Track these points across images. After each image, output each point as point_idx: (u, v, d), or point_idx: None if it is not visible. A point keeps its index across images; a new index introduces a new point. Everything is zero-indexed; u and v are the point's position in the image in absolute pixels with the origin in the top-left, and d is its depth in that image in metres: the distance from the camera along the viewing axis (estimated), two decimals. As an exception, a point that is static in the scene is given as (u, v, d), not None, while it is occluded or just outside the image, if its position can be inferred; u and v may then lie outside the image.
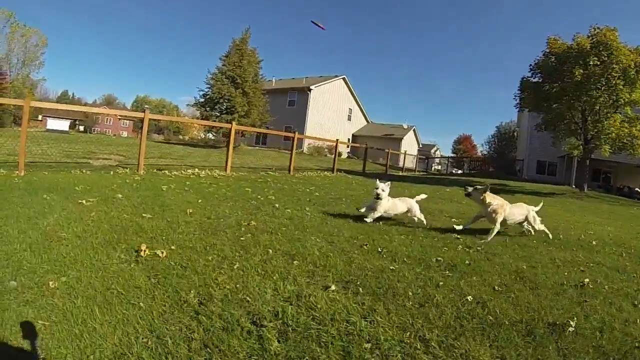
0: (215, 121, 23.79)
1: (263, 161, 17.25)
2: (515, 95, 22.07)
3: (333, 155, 15.54)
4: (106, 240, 3.79)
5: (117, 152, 13.43)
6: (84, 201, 5.31)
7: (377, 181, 4.97)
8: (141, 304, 2.54)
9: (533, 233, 5.21)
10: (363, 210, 5.08)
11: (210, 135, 35.99)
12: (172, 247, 3.72)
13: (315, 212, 5.86)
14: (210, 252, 3.74)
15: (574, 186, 22.81)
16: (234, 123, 10.90)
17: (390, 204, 4.96)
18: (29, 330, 2.04)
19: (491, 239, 4.63)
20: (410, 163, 29.42)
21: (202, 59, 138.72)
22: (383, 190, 4.85)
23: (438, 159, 45.32)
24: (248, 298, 2.53)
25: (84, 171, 8.26)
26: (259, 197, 7.10)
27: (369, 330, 2.14)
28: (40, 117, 48.48)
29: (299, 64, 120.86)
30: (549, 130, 21.48)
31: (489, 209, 4.71)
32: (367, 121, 44.04)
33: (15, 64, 44.57)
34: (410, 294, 2.70)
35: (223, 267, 3.24)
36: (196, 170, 10.26)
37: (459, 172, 38.60)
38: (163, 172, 9.36)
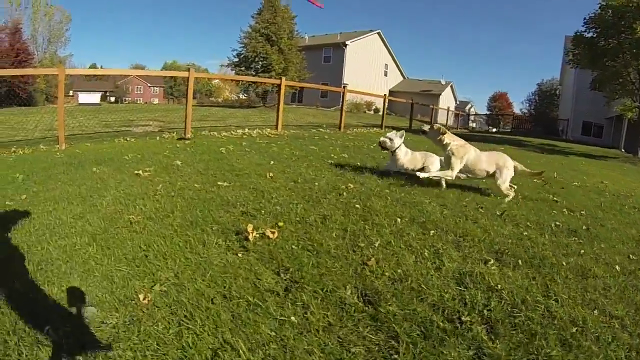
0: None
1: (305, 118, 16.12)
2: (567, 51, 21.03)
3: (371, 112, 14.10)
4: (189, 220, 2.92)
5: (154, 118, 12.88)
6: (140, 172, 4.52)
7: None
8: (292, 318, 1.64)
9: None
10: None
11: (242, 96, 35.66)
12: (280, 224, 2.80)
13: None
14: (329, 227, 2.83)
15: (622, 150, 21.59)
16: (283, 79, 9.73)
17: (410, 158, 4.44)
18: None
19: (434, 177, 4.07)
20: (449, 120, 28.25)
21: (229, 19, 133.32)
22: (391, 140, 4.35)
23: (473, 116, 44.77)
24: (420, 286, 2.04)
25: (127, 139, 7.61)
26: (331, 155, 6.31)
27: (562, 311, 1.91)
28: (71, 92, 50.66)
29: (329, 18, 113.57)
30: (602, 89, 20.54)
31: (447, 151, 4.00)
32: (404, 77, 43.23)
33: (41, 43, 46.24)
34: (564, 264, 2.47)
35: (359, 246, 2.49)
36: (246, 129, 9.37)
37: (494, 130, 37.49)
38: (212, 133, 8.45)
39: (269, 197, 3.51)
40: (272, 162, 5.38)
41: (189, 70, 8.37)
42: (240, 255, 2.30)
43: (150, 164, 5.04)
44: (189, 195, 3.61)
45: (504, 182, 3.92)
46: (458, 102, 47.60)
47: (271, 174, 4.46)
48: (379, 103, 30.07)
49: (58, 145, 6.89)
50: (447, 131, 4.09)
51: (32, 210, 3.28)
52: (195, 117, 12.77)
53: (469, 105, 54.86)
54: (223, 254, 2.30)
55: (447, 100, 40.89)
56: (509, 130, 36.22)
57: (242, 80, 26.86)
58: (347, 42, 33.58)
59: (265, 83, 24.15)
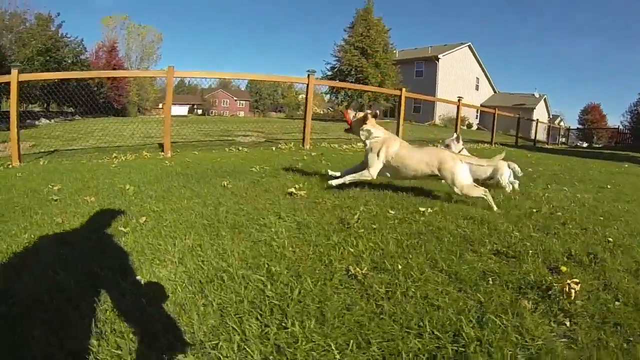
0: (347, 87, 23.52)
1: (405, 134, 14.57)
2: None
3: (464, 127, 12.60)
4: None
5: (253, 129, 12.82)
6: (292, 189, 3.34)
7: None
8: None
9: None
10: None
11: (328, 110, 36.21)
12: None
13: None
14: None
15: None
16: (404, 90, 9.00)
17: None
18: None
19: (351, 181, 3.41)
20: (540, 135, 25.87)
21: (320, 34, 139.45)
22: (448, 147, 3.92)
23: (564, 131, 42.53)
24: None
25: (240, 148, 6.97)
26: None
27: None
28: (160, 105, 59.08)
29: (416, 32, 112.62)
30: None
31: (367, 144, 3.48)
32: (495, 91, 44.57)
33: (135, 60, 52.70)
34: None
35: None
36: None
37: (584, 145, 35.33)
38: (332, 146, 8.02)
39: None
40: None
41: (308, 77, 7.66)
42: None
43: (295, 179, 3.90)
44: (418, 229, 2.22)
45: (460, 184, 3.11)
46: (551, 116, 47.15)
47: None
48: (471, 118, 29.32)
49: (163, 153, 6.49)
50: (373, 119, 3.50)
51: (164, 247, 2.16)
52: (294, 129, 12.33)
53: (559, 119, 54.15)
54: None
55: (540, 115, 38.94)
56: (613, 145, 32.42)
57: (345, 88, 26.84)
58: (439, 56, 34.65)
59: (384, 93, 24.02)
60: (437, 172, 3.18)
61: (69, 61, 29.17)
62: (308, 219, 2.61)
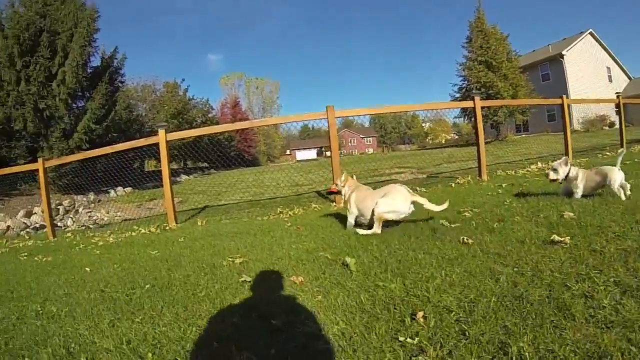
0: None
1: (553, 146, 12.62)
2: None
3: (607, 128, 14.79)
4: None
5: (396, 166, 12.72)
6: (555, 236, 2.42)
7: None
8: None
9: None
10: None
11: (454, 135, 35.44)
12: None
13: None
14: None
15: None
16: (477, 98, 7.54)
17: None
18: None
19: None
20: None
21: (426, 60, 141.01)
22: (555, 170, 4.07)
23: None
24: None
25: (417, 189, 6.14)
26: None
27: None
28: (288, 152, 69.62)
29: (525, 31, 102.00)
30: None
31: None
32: (629, 77, 42.06)
33: (257, 111, 61.90)
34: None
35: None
36: (538, 164, 8.00)
37: None
38: (508, 172, 7.30)
39: None
40: None
41: (473, 99, 7.41)
42: None
43: (542, 223, 2.90)
44: None
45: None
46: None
47: None
48: (613, 115, 27.34)
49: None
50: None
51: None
52: (440, 160, 12.15)
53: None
54: None
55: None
56: None
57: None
58: (563, 53, 34.63)
59: (516, 105, 24.30)
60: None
61: (199, 120, 33.51)
62: None
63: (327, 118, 6.27)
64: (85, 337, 2.03)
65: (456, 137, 40.52)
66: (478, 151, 7.16)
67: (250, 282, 2.58)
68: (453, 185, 6.45)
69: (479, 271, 2.17)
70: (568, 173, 4.00)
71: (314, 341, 1.69)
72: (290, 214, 5.51)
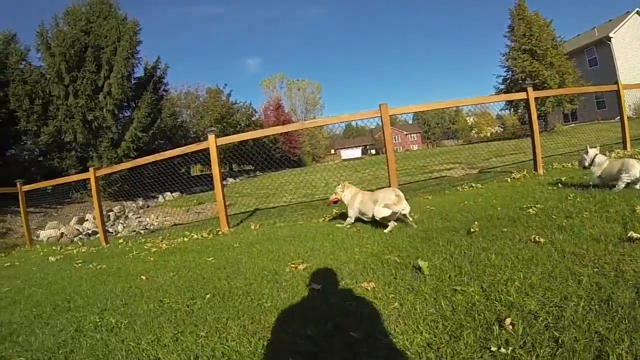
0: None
1: (606, 135, 12.37)
2: None
3: None
4: None
5: (446, 162, 12.61)
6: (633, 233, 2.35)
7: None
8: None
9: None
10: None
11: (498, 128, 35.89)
12: None
13: None
14: None
15: None
16: (529, 89, 7.22)
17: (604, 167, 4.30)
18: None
19: None
20: None
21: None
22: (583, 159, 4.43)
23: None
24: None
25: (472, 186, 6.26)
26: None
27: None
28: (332, 151, 72.04)
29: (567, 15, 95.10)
30: None
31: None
32: None
33: (300, 113, 63.73)
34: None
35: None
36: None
37: None
38: (564, 165, 6.97)
39: None
40: None
41: (526, 90, 7.09)
42: None
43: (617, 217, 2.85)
44: None
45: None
46: None
47: None
48: None
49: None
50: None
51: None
52: (487, 154, 12.02)
53: None
54: None
55: None
56: None
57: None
58: (610, 35, 33.55)
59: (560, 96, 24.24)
60: None
61: (243, 124, 34.47)
62: None
63: (381, 116, 6.05)
64: (149, 353, 1.92)
65: (501, 129, 41.03)
66: (533, 144, 6.88)
67: (319, 289, 2.42)
68: (509, 180, 6.19)
69: (558, 272, 2.06)
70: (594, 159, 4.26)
71: (398, 354, 1.60)
72: (346, 215, 5.30)
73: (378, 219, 4.01)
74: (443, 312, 1.85)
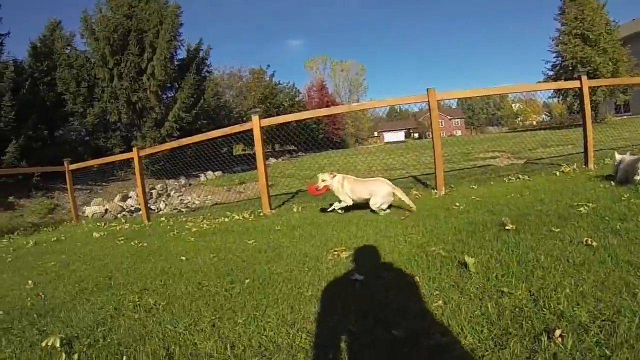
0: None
1: None
2: None
3: None
4: None
5: (490, 149, 12.39)
6: None
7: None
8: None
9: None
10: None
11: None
12: None
13: None
14: None
15: None
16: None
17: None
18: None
19: None
20: None
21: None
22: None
23: None
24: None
25: (519, 177, 6.01)
26: None
27: None
28: (376, 133, 72.34)
29: None
30: None
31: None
32: None
33: (344, 94, 64.64)
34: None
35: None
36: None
37: None
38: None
39: None
40: None
41: (579, 78, 6.63)
42: None
43: None
44: None
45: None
46: None
47: None
48: None
49: (436, 190, 5.66)
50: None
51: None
52: (533, 144, 11.65)
53: None
54: None
55: None
56: None
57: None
58: None
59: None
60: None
61: (286, 105, 34.85)
62: None
63: (428, 101, 5.84)
64: (185, 338, 1.91)
65: (547, 118, 40.37)
66: (585, 136, 6.59)
67: (361, 280, 2.34)
68: (557, 173, 5.93)
69: (611, 282, 1.92)
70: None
71: (441, 358, 1.53)
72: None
73: (375, 208, 4.56)
74: (489, 316, 1.77)
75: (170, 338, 1.92)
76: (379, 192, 4.55)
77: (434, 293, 2.05)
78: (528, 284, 2.00)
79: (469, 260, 2.31)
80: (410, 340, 1.63)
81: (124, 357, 1.80)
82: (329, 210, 4.94)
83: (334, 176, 4.94)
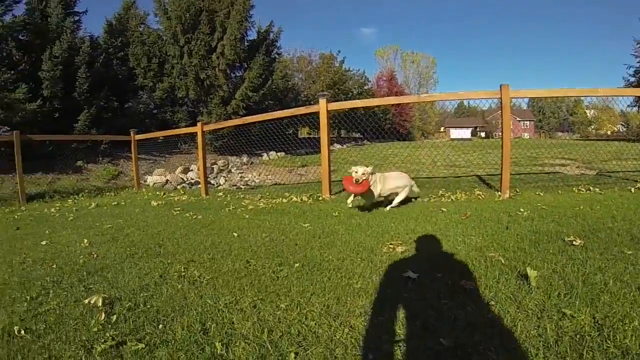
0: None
1: None
2: None
3: None
4: None
5: (559, 156, 11.82)
6: None
7: None
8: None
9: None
10: None
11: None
12: None
13: None
14: None
15: None
16: None
17: None
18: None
19: None
20: None
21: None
22: None
23: None
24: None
25: (591, 189, 5.51)
26: None
27: None
28: (442, 129, 71.30)
29: None
30: None
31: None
32: None
33: (414, 86, 63.73)
34: None
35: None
36: None
37: None
38: None
39: None
40: None
41: None
42: None
43: None
44: None
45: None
46: None
47: None
48: None
49: (500, 192, 5.40)
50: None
51: None
52: (606, 154, 10.82)
53: None
54: None
55: None
56: None
57: None
58: None
59: None
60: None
61: (355, 92, 34.75)
62: None
63: (501, 97, 5.47)
64: (224, 315, 1.86)
65: (623, 129, 39.26)
66: None
67: (413, 279, 2.19)
68: (632, 190, 5.39)
69: None
70: None
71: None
72: (452, 199, 5.08)
73: (397, 203, 4.67)
74: (547, 338, 1.60)
75: (208, 313, 1.88)
76: (406, 186, 4.75)
77: (490, 303, 1.89)
78: (593, 309, 1.80)
79: (531, 272, 2.11)
80: (457, 354, 1.51)
81: (160, 326, 1.77)
82: (386, 209, 4.56)
83: (371, 173, 4.58)
